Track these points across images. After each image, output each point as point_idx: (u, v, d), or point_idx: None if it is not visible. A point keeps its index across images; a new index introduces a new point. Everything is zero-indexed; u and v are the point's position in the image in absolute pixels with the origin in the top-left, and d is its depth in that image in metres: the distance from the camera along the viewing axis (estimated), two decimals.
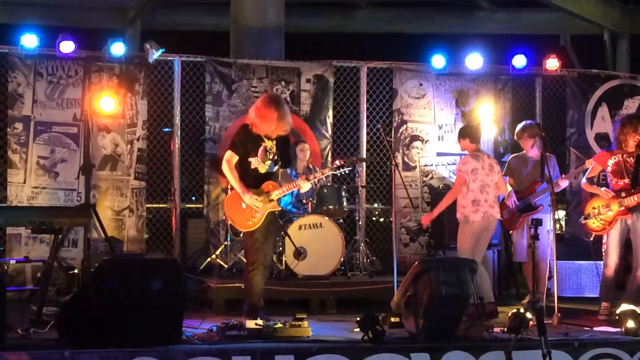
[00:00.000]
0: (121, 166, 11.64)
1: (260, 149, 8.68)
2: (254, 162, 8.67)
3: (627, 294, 9.34)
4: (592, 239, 10.03)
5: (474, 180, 9.66)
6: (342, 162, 9.28)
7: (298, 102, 12.28)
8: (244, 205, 8.61)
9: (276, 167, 8.83)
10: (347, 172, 9.73)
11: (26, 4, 17.73)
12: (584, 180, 9.81)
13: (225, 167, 8.70)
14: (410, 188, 12.15)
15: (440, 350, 7.61)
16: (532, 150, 10.44)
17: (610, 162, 9.46)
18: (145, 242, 11.87)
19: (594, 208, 9.54)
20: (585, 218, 9.60)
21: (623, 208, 9.28)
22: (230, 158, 8.68)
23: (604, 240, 9.53)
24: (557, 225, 9.82)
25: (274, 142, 8.77)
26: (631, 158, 9.37)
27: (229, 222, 8.84)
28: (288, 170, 10.80)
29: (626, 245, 9.53)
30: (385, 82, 12.63)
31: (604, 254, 9.55)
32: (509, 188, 10.57)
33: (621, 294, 9.50)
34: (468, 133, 10.00)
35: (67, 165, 11.39)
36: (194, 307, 9.62)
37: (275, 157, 8.79)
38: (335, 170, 9.34)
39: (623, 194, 9.30)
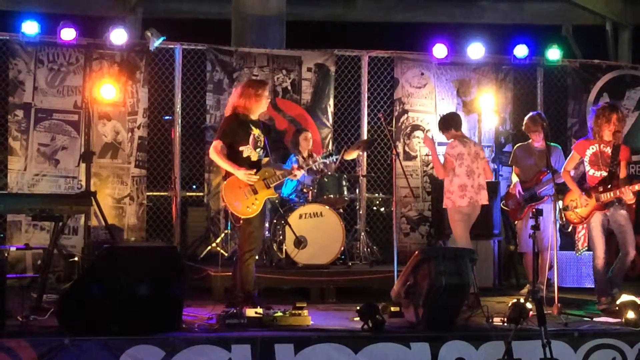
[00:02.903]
0: (122, 154, 11.64)
1: (251, 137, 8.72)
2: (246, 150, 8.69)
3: (613, 277, 9.33)
4: (570, 229, 10.04)
5: (460, 165, 9.84)
6: (330, 151, 9.32)
7: (299, 91, 12.27)
8: (242, 192, 8.61)
9: (265, 155, 8.88)
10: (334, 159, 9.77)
11: None
12: (562, 170, 9.73)
13: (212, 153, 8.71)
14: (411, 177, 12.15)
15: (440, 340, 7.61)
16: (539, 140, 10.39)
17: (588, 151, 9.39)
18: (146, 230, 11.86)
19: (572, 200, 9.51)
20: (564, 209, 9.60)
21: (599, 203, 9.26)
22: (216, 145, 8.69)
23: (578, 233, 9.59)
24: (558, 215, 9.81)
25: (260, 131, 8.84)
26: (608, 148, 9.28)
27: (230, 211, 8.78)
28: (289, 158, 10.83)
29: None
30: (386, 71, 12.62)
31: (576, 242, 9.63)
32: (515, 178, 10.58)
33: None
34: (451, 123, 10.21)
35: (67, 153, 11.40)
36: (194, 295, 9.62)
37: (263, 145, 8.84)
38: (325, 158, 9.41)
39: (600, 189, 9.26)
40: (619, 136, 9.32)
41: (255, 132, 8.77)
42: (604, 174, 9.28)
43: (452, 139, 10.04)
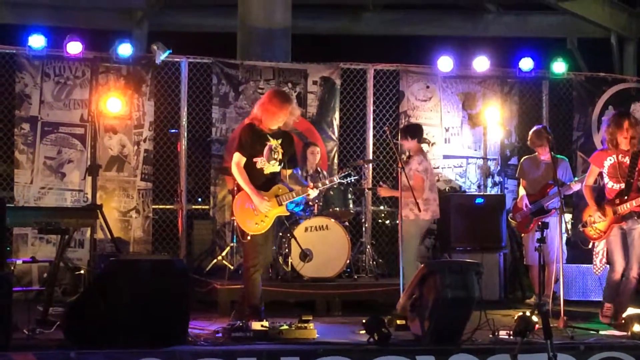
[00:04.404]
0: (128, 167, 11.66)
1: (266, 149, 8.61)
2: (260, 162, 8.60)
3: (621, 299, 9.28)
4: (590, 246, 9.99)
5: (425, 179, 9.97)
6: (349, 170, 9.26)
7: (305, 104, 12.28)
8: (252, 208, 8.55)
9: (280, 167, 8.73)
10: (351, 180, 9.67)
11: (34, 5, 17.80)
12: (583, 184, 9.66)
13: (235, 170, 8.58)
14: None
15: (446, 353, 7.61)
16: (545, 153, 10.39)
17: (606, 163, 9.26)
18: (152, 244, 11.87)
19: (590, 216, 9.40)
20: (583, 226, 9.52)
21: (617, 216, 9.16)
22: (239, 160, 8.57)
23: (596, 248, 9.54)
24: (564, 228, 9.81)
25: (279, 142, 8.69)
26: (626, 158, 9.12)
27: (236, 224, 8.77)
28: (295, 172, 10.80)
29: None
30: (392, 84, 12.63)
31: (594, 258, 9.59)
32: (522, 191, 10.58)
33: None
34: (417, 133, 10.33)
35: (73, 166, 11.42)
36: (199, 309, 9.62)
37: (280, 157, 8.70)
38: (343, 179, 9.31)
39: (617, 201, 9.15)
40: (635, 143, 9.11)
41: (273, 142, 8.63)
42: (622, 185, 9.16)
43: (418, 155, 10.09)
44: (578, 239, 10.49)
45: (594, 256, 9.68)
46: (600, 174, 9.37)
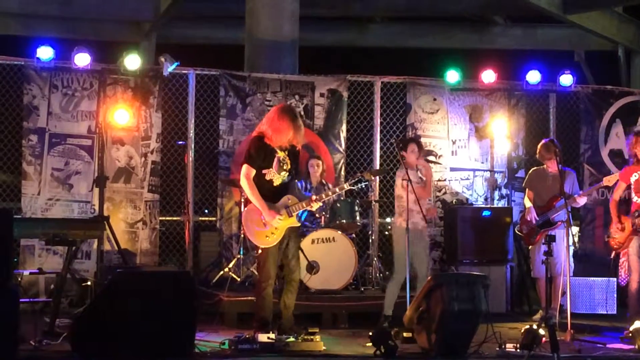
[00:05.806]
0: (135, 179, 11.67)
1: (275, 160, 8.61)
2: (269, 174, 8.59)
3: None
4: (612, 257, 10.05)
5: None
6: (359, 176, 9.18)
7: (312, 117, 12.29)
8: (261, 221, 8.51)
9: (290, 177, 8.72)
10: (362, 186, 9.61)
11: (42, 17, 17.83)
12: (611, 199, 9.79)
13: (244, 183, 8.55)
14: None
15: None
16: (553, 166, 10.38)
17: (632, 178, 9.45)
18: (159, 255, 11.87)
19: (611, 228, 9.58)
20: (608, 236, 9.64)
21: (634, 228, 9.24)
22: (248, 172, 8.55)
23: (621, 259, 9.59)
24: (571, 241, 9.80)
25: (286, 153, 8.67)
26: None
27: (243, 236, 8.75)
28: (297, 183, 10.76)
29: None
30: (399, 96, 12.63)
31: (619, 269, 9.62)
32: (528, 203, 10.57)
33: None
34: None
35: (81, 178, 11.43)
36: (206, 320, 9.62)
37: (289, 167, 8.68)
38: (353, 185, 9.24)
39: (636, 214, 9.26)
40: None
41: (281, 154, 8.62)
42: None
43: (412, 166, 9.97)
44: (592, 249, 10.54)
45: (619, 267, 9.77)
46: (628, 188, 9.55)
